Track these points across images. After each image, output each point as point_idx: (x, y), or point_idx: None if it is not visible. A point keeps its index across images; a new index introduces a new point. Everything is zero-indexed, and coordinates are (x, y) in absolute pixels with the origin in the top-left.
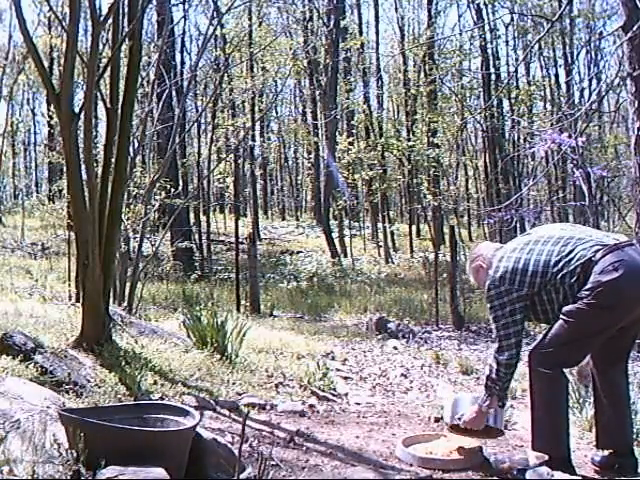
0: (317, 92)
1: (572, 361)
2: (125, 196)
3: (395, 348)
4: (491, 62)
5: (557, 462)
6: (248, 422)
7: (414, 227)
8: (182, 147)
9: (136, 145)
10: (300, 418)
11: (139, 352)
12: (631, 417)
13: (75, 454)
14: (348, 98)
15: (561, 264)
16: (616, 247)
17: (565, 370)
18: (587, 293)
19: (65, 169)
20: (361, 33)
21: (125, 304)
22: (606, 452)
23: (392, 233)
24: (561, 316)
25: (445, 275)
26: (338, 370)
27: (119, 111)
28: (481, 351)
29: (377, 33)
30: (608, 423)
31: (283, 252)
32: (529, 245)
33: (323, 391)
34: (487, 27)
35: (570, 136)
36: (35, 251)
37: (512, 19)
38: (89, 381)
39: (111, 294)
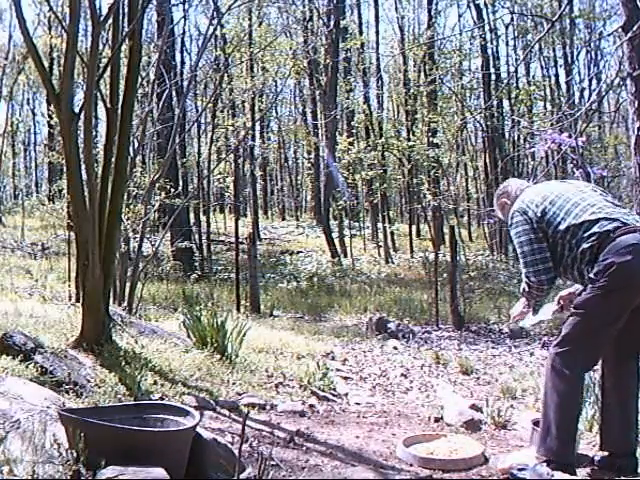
0: (317, 92)
1: (589, 360)
2: (125, 196)
3: (395, 348)
4: (491, 62)
5: (558, 465)
6: (248, 422)
7: (414, 227)
8: (182, 147)
9: (136, 145)
10: (300, 418)
11: (139, 352)
12: (637, 419)
13: (75, 454)
14: (348, 98)
15: (581, 220)
16: (634, 229)
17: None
18: (596, 276)
19: (65, 169)
20: (361, 33)
21: (125, 304)
22: (606, 452)
23: (392, 233)
24: (572, 310)
25: (445, 275)
26: (338, 370)
27: (119, 111)
28: (481, 351)
29: (377, 33)
30: (613, 423)
31: (283, 252)
32: (560, 189)
33: (323, 391)
34: (487, 27)
35: (570, 136)
36: (35, 251)
37: (512, 19)
38: (89, 381)
39: (111, 294)
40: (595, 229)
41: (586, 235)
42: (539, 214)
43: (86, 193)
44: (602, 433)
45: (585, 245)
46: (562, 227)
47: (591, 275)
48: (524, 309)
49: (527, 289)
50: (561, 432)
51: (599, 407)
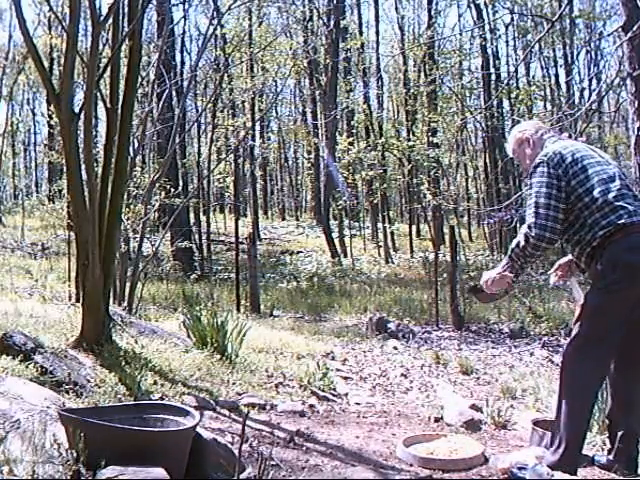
0: (317, 92)
1: (602, 364)
2: (125, 196)
3: (395, 348)
4: (491, 62)
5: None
6: (248, 422)
7: (414, 227)
8: (182, 147)
9: (136, 145)
10: (300, 418)
11: (139, 352)
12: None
13: (75, 454)
14: (348, 98)
15: (602, 200)
16: None
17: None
18: (602, 272)
19: (65, 169)
20: (361, 33)
21: (125, 304)
22: (606, 452)
23: (392, 233)
24: (583, 310)
25: (445, 275)
26: (338, 370)
27: (119, 111)
28: (481, 351)
29: (377, 33)
30: (617, 427)
31: (283, 252)
32: (592, 159)
33: (323, 391)
34: (487, 27)
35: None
36: (35, 251)
37: (512, 19)
38: (89, 381)
39: (111, 294)
40: (612, 218)
41: (604, 223)
42: (569, 176)
43: (86, 193)
44: (610, 436)
45: (600, 232)
46: (586, 199)
47: (598, 266)
48: (505, 273)
49: (522, 244)
50: (572, 444)
51: (599, 408)
